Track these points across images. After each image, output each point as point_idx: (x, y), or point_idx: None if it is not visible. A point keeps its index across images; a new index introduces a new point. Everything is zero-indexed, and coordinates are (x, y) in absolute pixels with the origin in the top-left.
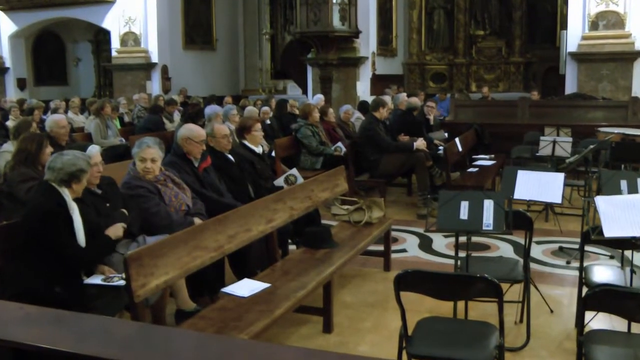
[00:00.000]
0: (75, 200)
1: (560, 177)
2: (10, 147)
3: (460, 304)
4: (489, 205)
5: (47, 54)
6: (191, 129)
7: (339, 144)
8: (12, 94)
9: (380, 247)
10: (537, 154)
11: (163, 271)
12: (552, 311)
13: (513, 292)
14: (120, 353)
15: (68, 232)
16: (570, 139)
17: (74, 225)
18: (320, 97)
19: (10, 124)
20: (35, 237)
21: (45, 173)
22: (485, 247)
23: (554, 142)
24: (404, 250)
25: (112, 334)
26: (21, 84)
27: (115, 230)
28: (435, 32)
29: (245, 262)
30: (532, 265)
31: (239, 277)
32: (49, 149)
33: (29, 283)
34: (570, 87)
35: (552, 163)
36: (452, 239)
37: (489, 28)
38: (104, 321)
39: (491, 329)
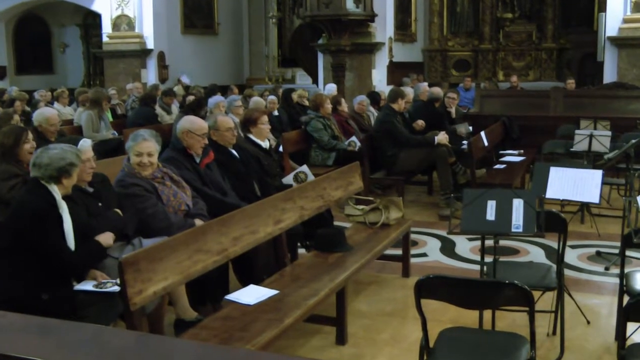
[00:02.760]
0: (65, 198)
1: (598, 174)
2: None
3: (487, 314)
4: (518, 205)
5: (30, 40)
6: (192, 121)
7: (353, 138)
8: None
9: (399, 251)
10: (572, 149)
11: (161, 277)
12: (588, 322)
13: (545, 300)
14: None
15: (58, 234)
16: (609, 133)
17: (63, 226)
18: (332, 87)
19: None
20: (22, 239)
21: (31, 171)
22: (514, 252)
23: (591, 136)
24: (424, 255)
25: (106, 345)
26: (1, 72)
27: (106, 239)
28: (459, 15)
29: (251, 267)
30: (567, 272)
31: (244, 284)
32: (29, 145)
33: (12, 289)
34: (609, 76)
35: (589, 159)
36: (477, 242)
37: (518, 10)
38: (97, 330)
39: (521, 341)
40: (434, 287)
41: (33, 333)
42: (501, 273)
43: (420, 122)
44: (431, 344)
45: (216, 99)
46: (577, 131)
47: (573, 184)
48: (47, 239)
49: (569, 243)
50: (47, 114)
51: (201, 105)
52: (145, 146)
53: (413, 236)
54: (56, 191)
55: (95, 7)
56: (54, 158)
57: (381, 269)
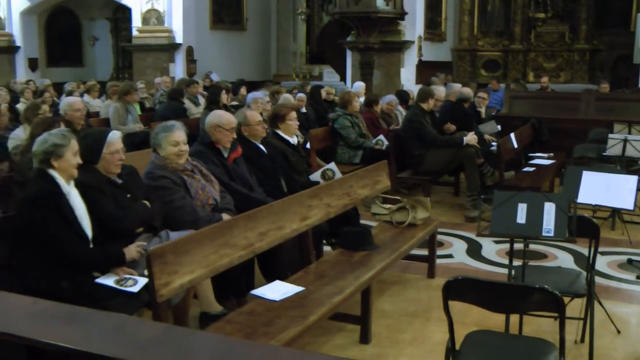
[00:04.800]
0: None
1: (632, 180)
2: (21, 132)
3: (512, 318)
4: (549, 208)
5: (61, 32)
6: (220, 115)
7: (381, 136)
8: (23, 74)
9: (424, 252)
10: (605, 154)
11: (188, 269)
12: (619, 331)
13: (573, 307)
14: (145, 356)
15: (63, 224)
16: None
17: (75, 213)
18: (360, 85)
19: (20, 107)
20: (30, 228)
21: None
22: (542, 256)
23: (625, 141)
24: (449, 256)
25: (132, 335)
26: (32, 64)
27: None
28: (489, 14)
29: (276, 263)
30: (596, 279)
31: (269, 280)
32: None
33: (32, 279)
34: None
35: (622, 164)
36: (504, 245)
37: (551, 10)
38: (123, 320)
39: (549, 347)
40: (462, 289)
41: (64, 320)
42: (529, 277)
43: (452, 127)
44: (456, 347)
45: (255, 94)
46: (610, 135)
47: (606, 189)
48: (50, 230)
49: (598, 249)
50: (69, 100)
51: (217, 98)
52: (180, 134)
53: (438, 237)
54: (58, 177)
55: (125, 1)
56: (37, 144)
57: (406, 269)
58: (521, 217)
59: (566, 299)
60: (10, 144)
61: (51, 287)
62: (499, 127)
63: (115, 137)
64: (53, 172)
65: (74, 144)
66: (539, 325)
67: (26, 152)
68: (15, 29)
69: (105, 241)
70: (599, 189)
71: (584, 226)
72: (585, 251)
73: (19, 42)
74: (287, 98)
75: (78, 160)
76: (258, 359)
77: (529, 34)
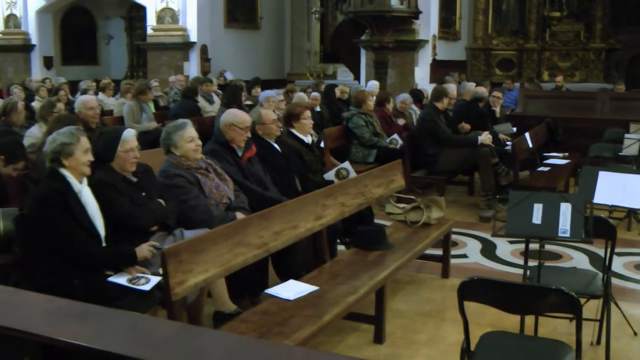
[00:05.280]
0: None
1: None
2: (36, 130)
3: (528, 320)
4: (566, 209)
5: (76, 31)
6: (235, 114)
7: (395, 135)
8: (38, 73)
9: (438, 251)
10: (620, 154)
11: (202, 268)
12: (635, 333)
13: (589, 309)
14: (159, 354)
15: (73, 222)
16: None
17: (86, 212)
18: (375, 84)
19: (35, 105)
20: (40, 227)
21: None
22: (557, 257)
23: None
24: (464, 256)
25: (146, 334)
26: (48, 62)
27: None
28: (504, 13)
29: (290, 262)
30: (612, 280)
31: (283, 279)
32: None
33: (45, 278)
34: None
35: (638, 164)
36: (519, 246)
37: (566, 9)
38: (137, 319)
39: (566, 349)
40: (478, 289)
41: (80, 318)
42: (544, 278)
43: (466, 126)
44: (471, 347)
45: (267, 93)
46: (626, 135)
47: (622, 190)
48: (59, 228)
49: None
50: (84, 99)
51: (237, 97)
52: (193, 131)
53: (453, 237)
54: (69, 176)
55: (140, 0)
56: (47, 144)
57: (420, 269)
58: (537, 217)
59: (582, 300)
60: (26, 142)
61: (62, 286)
62: (514, 129)
63: (130, 135)
64: (64, 171)
65: (84, 142)
66: (555, 327)
67: (41, 150)
68: (31, 27)
69: (120, 239)
70: (615, 189)
71: (600, 227)
72: (599, 252)
73: (34, 40)
74: (301, 97)
75: (89, 157)
76: (272, 359)
77: (543, 33)
